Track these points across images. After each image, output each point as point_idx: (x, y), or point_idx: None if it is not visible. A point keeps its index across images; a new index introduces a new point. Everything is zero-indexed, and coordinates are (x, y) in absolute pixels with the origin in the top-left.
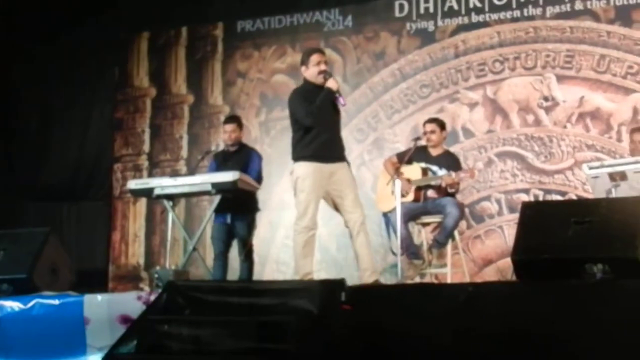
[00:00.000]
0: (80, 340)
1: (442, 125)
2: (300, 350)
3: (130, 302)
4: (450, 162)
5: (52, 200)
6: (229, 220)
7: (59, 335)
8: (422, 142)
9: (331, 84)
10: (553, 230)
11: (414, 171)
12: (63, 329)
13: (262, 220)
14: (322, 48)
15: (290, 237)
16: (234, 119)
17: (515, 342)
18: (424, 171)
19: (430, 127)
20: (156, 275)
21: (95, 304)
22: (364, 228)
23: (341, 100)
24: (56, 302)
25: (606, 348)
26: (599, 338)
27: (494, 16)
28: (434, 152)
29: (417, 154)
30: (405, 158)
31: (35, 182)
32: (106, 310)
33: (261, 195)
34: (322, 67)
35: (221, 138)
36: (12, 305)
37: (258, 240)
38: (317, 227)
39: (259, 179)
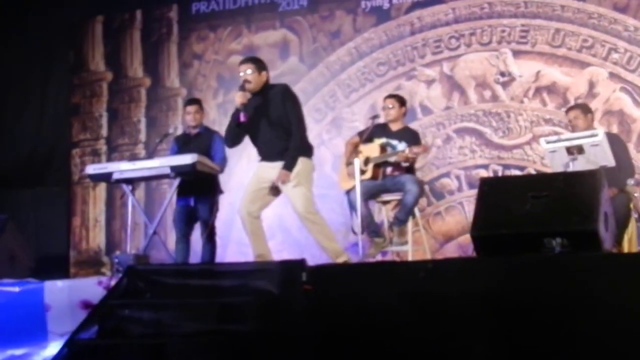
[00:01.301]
0: (41, 327)
1: (401, 101)
2: (261, 331)
3: (91, 288)
4: (410, 136)
5: (8, 187)
6: (192, 203)
7: (20, 323)
8: (381, 120)
9: (236, 98)
10: (511, 205)
11: (372, 149)
12: (24, 316)
13: (223, 202)
14: (252, 57)
15: None
16: (195, 100)
17: (474, 318)
18: (382, 148)
19: (389, 102)
20: (116, 260)
21: (56, 290)
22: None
23: (241, 117)
24: (16, 289)
25: (565, 322)
26: (558, 312)
27: None
28: (394, 127)
29: (378, 130)
30: (364, 135)
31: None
32: (67, 296)
33: (221, 177)
34: (240, 80)
35: (181, 120)
36: None
37: (219, 222)
38: (258, 215)
39: (224, 160)
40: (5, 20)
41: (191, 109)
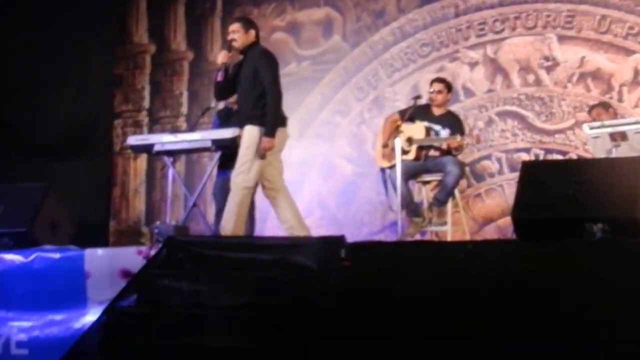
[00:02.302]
0: (80, 294)
1: (449, 86)
2: (298, 305)
3: (131, 257)
4: (453, 122)
5: (51, 157)
6: (231, 176)
7: (59, 289)
8: (422, 101)
9: (219, 57)
10: (553, 189)
11: (417, 130)
12: (64, 282)
13: None
14: (241, 17)
15: (291, 194)
16: None
17: (513, 301)
18: (427, 130)
19: (437, 86)
20: (156, 230)
21: (96, 258)
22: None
23: (218, 76)
24: (57, 255)
25: (604, 308)
26: (597, 298)
27: None
28: (437, 111)
29: (420, 112)
30: (406, 115)
31: (34, 139)
32: (107, 264)
33: None
34: (229, 37)
35: None
36: (13, 258)
37: (259, 196)
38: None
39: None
40: None
41: None
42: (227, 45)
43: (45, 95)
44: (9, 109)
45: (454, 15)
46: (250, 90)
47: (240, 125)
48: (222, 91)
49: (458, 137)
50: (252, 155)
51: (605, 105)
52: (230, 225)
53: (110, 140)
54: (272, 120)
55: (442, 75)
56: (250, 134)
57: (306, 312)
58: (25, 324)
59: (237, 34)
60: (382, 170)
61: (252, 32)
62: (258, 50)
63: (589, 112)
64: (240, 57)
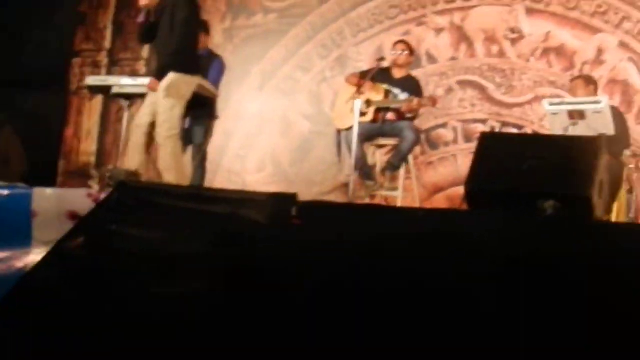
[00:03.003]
0: (26, 233)
1: (411, 49)
2: (251, 258)
3: (80, 199)
4: (413, 86)
5: (10, 86)
6: (187, 124)
7: (4, 226)
8: (386, 64)
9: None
10: (508, 163)
11: (376, 91)
12: (9, 220)
13: (217, 128)
14: None
15: (244, 148)
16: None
17: (461, 271)
18: (386, 93)
19: (401, 47)
20: (109, 174)
21: (44, 197)
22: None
23: (140, 17)
24: (4, 192)
25: (551, 285)
26: (542, 273)
27: None
28: (398, 74)
29: (380, 75)
30: (368, 76)
31: None
32: (55, 205)
33: (219, 103)
34: None
35: None
36: None
37: (211, 148)
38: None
39: (217, 85)
40: None
41: None
42: None
43: (12, 26)
44: None
45: None
46: (168, 34)
47: (159, 73)
48: (144, 35)
49: (415, 100)
50: (171, 102)
51: (588, 80)
52: (171, 177)
53: (67, 79)
54: (166, 62)
55: (407, 39)
56: (169, 80)
57: (257, 268)
58: None
59: None
60: (338, 131)
61: None
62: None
63: (571, 81)
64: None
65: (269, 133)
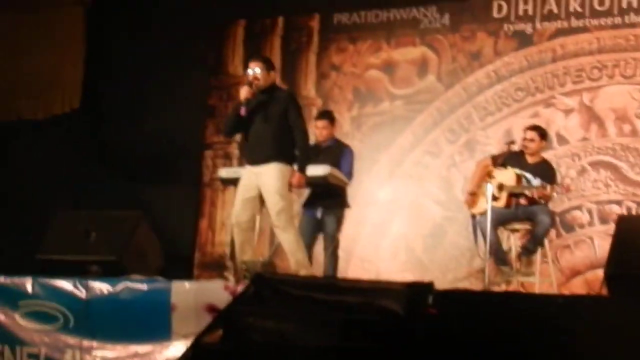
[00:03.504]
0: (165, 326)
1: (543, 134)
2: (384, 350)
3: (218, 292)
4: (546, 171)
5: (142, 183)
6: (319, 214)
7: (145, 320)
8: (515, 147)
9: (241, 92)
10: None
11: (508, 176)
12: (149, 313)
13: (349, 216)
14: (263, 56)
15: (376, 235)
16: (326, 114)
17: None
18: (518, 178)
19: (530, 134)
20: (244, 266)
21: (183, 291)
22: (290, 223)
23: (242, 110)
24: (144, 286)
25: None
26: None
27: (594, 22)
28: (531, 159)
29: (513, 159)
30: (499, 160)
31: (128, 164)
32: (193, 298)
33: (349, 191)
34: (248, 76)
35: (313, 132)
36: (101, 287)
37: (343, 236)
38: (251, 225)
39: (350, 175)
40: (151, 16)
41: (320, 124)
42: (249, 82)
43: (141, 120)
44: (104, 130)
45: (551, 60)
46: (273, 129)
47: (256, 161)
48: (240, 126)
49: (548, 187)
50: (286, 190)
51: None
52: (300, 257)
53: (200, 171)
54: (304, 157)
55: (536, 121)
56: (281, 171)
57: (392, 358)
58: (109, 353)
59: (261, 74)
60: (472, 216)
61: (273, 73)
62: (286, 93)
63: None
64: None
65: (401, 219)
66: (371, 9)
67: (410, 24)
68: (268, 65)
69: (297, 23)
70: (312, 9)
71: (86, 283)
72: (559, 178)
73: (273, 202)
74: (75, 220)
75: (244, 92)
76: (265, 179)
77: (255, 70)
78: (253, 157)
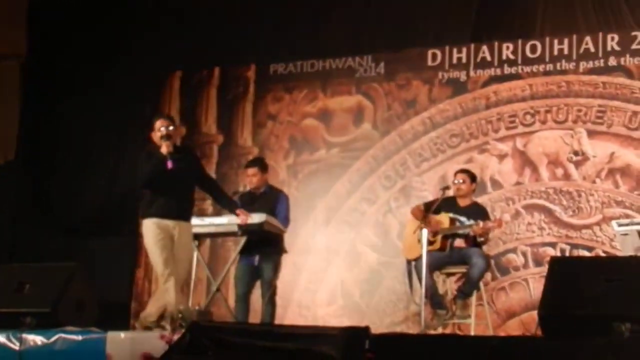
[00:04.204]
0: None
1: (472, 177)
2: None
3: (153, 341)
4: (479, 213)
5: (82, 234)
6: (256, 262)
7: None
8: (450, 192)
9: (162, 148)
10: (582, 287)
11: (442, 220)
12: None
13: (286, 262)
14: (169, 115)
15: (313, 282)
16: (255, 162)
17: None
18: (452, 221)
19: (461, 176)
20: (180, 315)
21: (118, 341)
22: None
23: (169, 164)
24: (79, 337)
25: None
26: None
27: (527, 69)
28: (462, 202)
29: (445, 204)
30: (432, 207)
31: (65, 215)
32: (129, 348)
33: (287, 237)
34: (163, 132)
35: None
36: (35, 339)
37: (281, 282)
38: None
39: (286, 220)
40: (87, 68)
41: (250, 171)
42: (166, 136)
43: (79, 171)
44: (41, 182)
45: (484, 106)
46: (191, 186)
47: (173, 216)
48: (162, 179)
49: (481, 223)
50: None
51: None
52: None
53: (137, 221)
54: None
55: (470, 166)
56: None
57: None
58: None
59: (172, 129)
60: (408, 262)
61: (183, 130)
62: (189, 148)
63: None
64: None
65: (338, 265)
66: (307, 59)
67: (345, 73)
68: (175, 124)
69: (233, 73)
70: (248, 59)
71: (20, 335)
72: (491, 218)
73: (187, 258)
74: (8, 273)
75: (166, 147)
76: (184, 236)
77: (168, 128)
78: (172, 212)
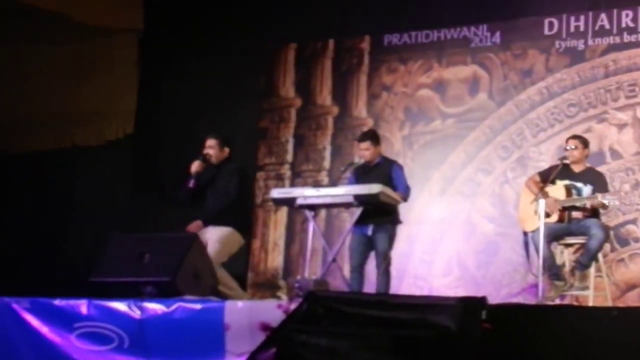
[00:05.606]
0: (219, 346)
1: (585, 142)
2: None
3: (271, 310)
4: (595, 178)
5: (195, 206)
6: (369, 232)
7: (198, 339)
8: (568, 161)
9: (191, 166)
10: None
11: (557, 190)
12: (203, 333)
13: (401, 234)
14: (221, 135)
15: (428, 252)
16: (367, 135)
17: None
18: (568, 189)
19: (573, 142)
20: (297, 285)
21: (236, 310)
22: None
23: (190, 183)
24: (198, 306)
25: None
26: None
27: None
28: (577, 168)
29: (560, 172)
30: (550, 177)
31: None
32: (246, 317)
33: (401, 208)
34: (205, 150)
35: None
36: (156, 307)
37: (396, 254)
38: None
39: (407, 189)
40: (203, 42)
41: (363, 145)
42: (202, 157)
43: (192, 145)
44: (158, 156)
45: (603, 75)
46: (221, 198)
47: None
48: (191, 197)
49: (599, 196)
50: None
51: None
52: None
53: (253, 192)
54: (211, 217)
55: (588, 136)
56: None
57: None
58: None
59: (213, 151)
60: (525, 233)
61: (226, 149)
62: (232, 167)
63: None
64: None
65: (453, 236)
66: (421, 29)
67: (460, 43)
68: (222, 142)
69: (347, 45)
70: (362, 30)
71: (140, 304)
72: (611, 189)
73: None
74: (128, 243)
75: (194, 166)
76: (210, 234)
77: (208, 148)
78: (205, 220)
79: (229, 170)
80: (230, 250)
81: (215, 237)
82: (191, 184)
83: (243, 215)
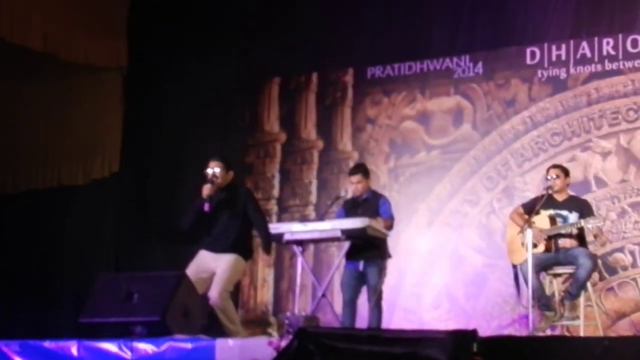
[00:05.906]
0: None
1: (565, 171)
2: None
3: (262, 348)
4: (579, 204)
5: (183, 243)
6: (360, 267)
7: None
8: (552, 191)
9: (203, 190)
10: None
11: (542, 220)
12: None
13: (390, 266)
14: (223, 156)
15: (417, 285)
16: (358, 168)
17: None
18: (552, 219)
19: (554, 172)
20: (287, 321)
21: (227, 348)
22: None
23: (205, 206)
24: (188, 345)
25: None
26: None
27: (628, 64)
28: (559, 197)
29: (543, 203)
30: (536, 208)
31: (167, 225)
32: (238, 355)
33: (389, 241)
34: (209, 174)
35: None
36: (146, 347)
37: (386, 287)
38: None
39: (391, 218)
40: (186, 77)
41: (354, 179)
42: (209, 180)
43: (178, 179)
44: (145, 192)
45: (586, 104)
46: (236, 223)
47: (217, 250)
48: (202, 221)
49: (582, 222)
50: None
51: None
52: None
53: None
54: (267, 243)
55: (573, 164)
56: (236, 260)
57: None
58: None
59: (220, 173)
60: (514, 266)
61: (231, 173)
62: (244, 191)
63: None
64: None
65: (442, 269)
66: (404, 61)
67: (443, 74)
68: (227, 165)
69: (331, 78)
70: (345, 63)
71: (131, 344)
72: (594, 211)
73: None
74: (117, 283)
75: (206, 190)
76: (221, 262)
77: (214, 170)
78: (215, 247)
79: (243, 194)
80: (238, 278)
81: (224, 265)
82: (206, 207)
83: (248, 242)
